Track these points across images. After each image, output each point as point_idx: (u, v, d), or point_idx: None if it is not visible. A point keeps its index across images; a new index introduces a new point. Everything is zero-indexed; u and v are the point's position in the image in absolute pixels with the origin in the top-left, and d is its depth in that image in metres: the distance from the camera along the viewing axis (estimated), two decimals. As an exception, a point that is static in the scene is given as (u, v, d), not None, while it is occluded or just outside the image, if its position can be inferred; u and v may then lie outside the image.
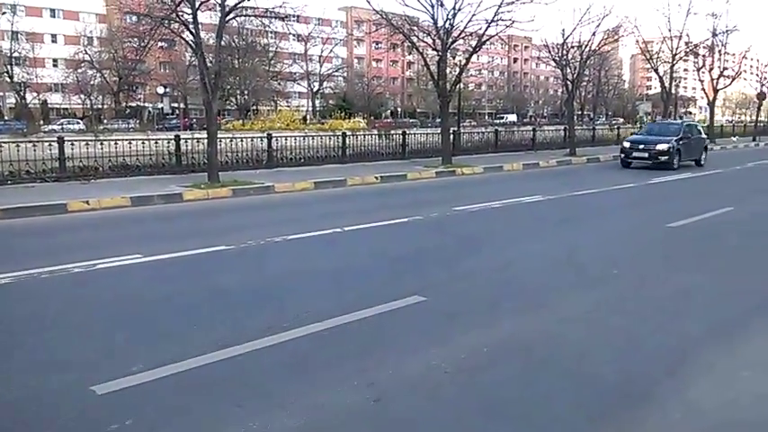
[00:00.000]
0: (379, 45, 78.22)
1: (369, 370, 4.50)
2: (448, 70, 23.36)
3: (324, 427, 3.78)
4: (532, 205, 13.38)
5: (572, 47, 29.61)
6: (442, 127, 22.96)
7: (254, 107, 64.20)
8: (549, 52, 30.53)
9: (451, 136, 23.55)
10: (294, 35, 58.34)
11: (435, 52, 22.56)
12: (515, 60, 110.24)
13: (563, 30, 28.83)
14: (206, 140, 16.29)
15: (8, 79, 57.37)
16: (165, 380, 4.29)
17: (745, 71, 63.84)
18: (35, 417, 3.90)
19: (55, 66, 66.71)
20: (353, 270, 7.71)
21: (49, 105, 64.82)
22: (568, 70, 29.20)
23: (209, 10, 17.72)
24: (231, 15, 16.87)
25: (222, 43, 18.50)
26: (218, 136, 17.05)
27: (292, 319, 5.41)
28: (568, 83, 29.76)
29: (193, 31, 15.50)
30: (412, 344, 5.06)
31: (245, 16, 21.33)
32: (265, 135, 20.12)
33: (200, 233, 10.06)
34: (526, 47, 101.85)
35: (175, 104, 65.31)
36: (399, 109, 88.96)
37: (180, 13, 15.62)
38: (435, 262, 8.12)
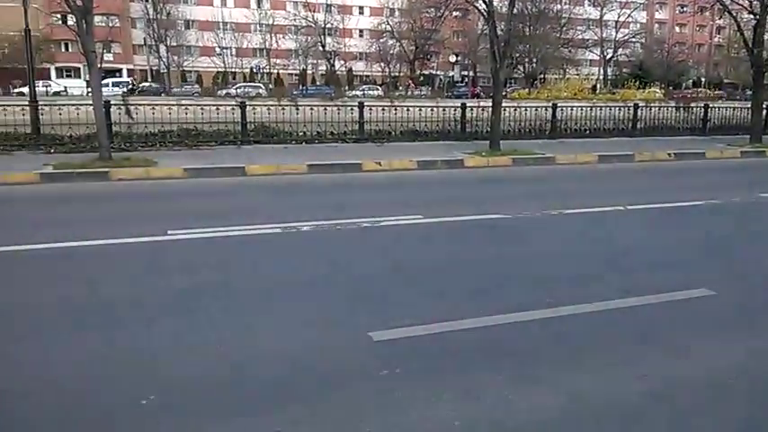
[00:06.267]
0: (684, 8, 71.19)
1: (642, 361, 4.23)
2: (766, 36, 20.42)
3: (586, 415, 3.65)
4: None
5: None
6: (754, 101, 20.34)
7: (542, 75, 63.25)
8: None
9: (764, 111, 20.71)
10: (590, 0, 55.63)
11: (751, 15, 19.94)
12: None
13: None
14: (490, 109, 16.52)
15: (321, 48, 64.34)
16: (433, 336, 4.51)
17: None
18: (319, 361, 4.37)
19: (360, 36, 72.70)
20: (639, 249, 7.17)
21: (354, 73, 71.19)
22: None
23: (504, -22, 17.74)
24: (526, -18, 16.69)
25: (514, 11, 18.42)
26: (503, 105, 17.16)
27: (576, 296, 5.29)
28: None
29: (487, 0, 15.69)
30: (690, 340, 4.62)
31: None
32: (550, 105, 19.74)
33: (477, 200, 10.28)
34: None
35: (465, 72, 67.26)
36: (703, 79, 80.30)
37: (476, -17, 15.91)
38: (727, 254, 7.22)
